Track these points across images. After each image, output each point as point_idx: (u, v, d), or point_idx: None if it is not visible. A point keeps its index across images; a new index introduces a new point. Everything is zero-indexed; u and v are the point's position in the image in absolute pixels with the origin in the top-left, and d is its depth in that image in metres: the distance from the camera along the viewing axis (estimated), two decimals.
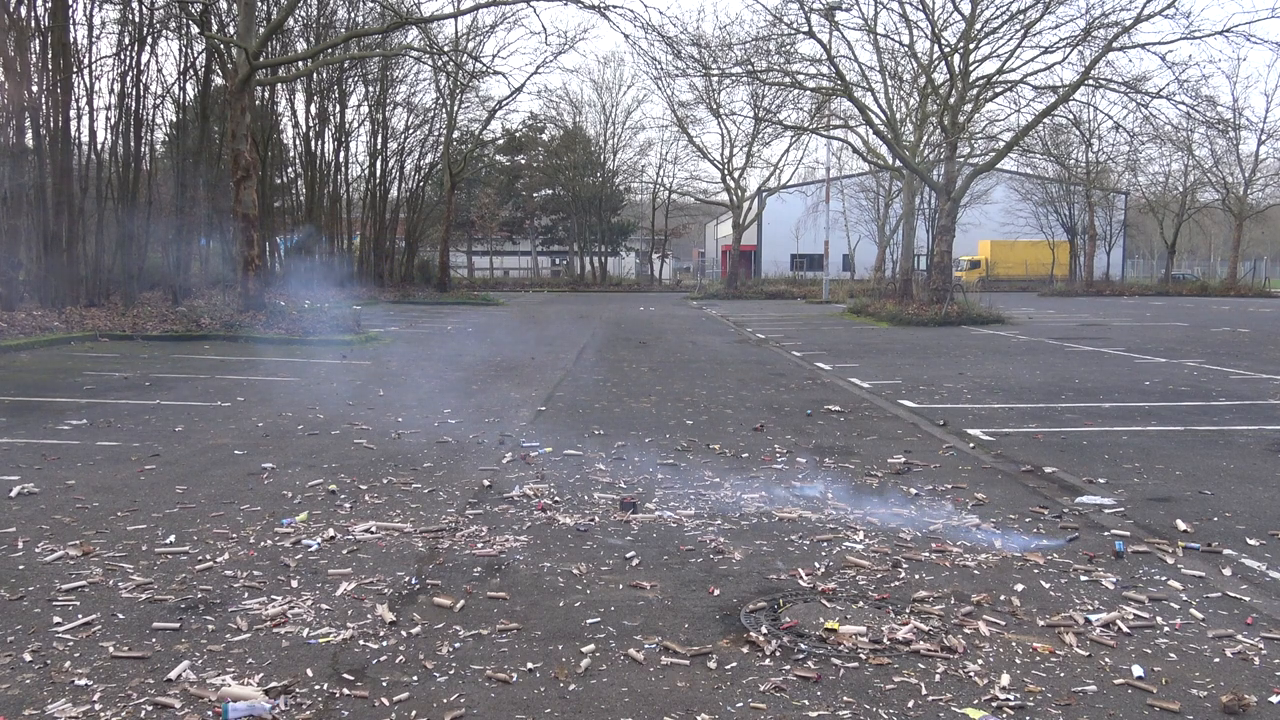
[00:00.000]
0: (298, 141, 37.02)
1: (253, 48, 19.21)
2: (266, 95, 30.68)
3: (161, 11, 25.32)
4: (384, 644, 3.91)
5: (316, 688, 3.52)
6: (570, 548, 5.21)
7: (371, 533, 5.45)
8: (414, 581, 4.64)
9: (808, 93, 30.39)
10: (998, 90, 27.00)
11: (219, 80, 28.30)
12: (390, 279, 42.25)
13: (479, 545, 5.24)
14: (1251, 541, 5.40)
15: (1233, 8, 67.91)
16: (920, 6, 25.34)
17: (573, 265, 62.79)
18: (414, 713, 3.34)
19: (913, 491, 6.54)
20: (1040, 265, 55.72)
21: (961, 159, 27.93)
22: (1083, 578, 4.77)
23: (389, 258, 43.98)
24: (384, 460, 7.41)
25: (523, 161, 62.02)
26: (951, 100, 25.53)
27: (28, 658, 3.74)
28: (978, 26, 24.98)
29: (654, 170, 61.59)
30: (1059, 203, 50.92)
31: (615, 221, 61.50)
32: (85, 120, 24.98)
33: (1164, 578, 4.79)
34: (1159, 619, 4.23)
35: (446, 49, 31.44)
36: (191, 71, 28.36)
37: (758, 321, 26.56)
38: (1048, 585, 4.67)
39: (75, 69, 22.92)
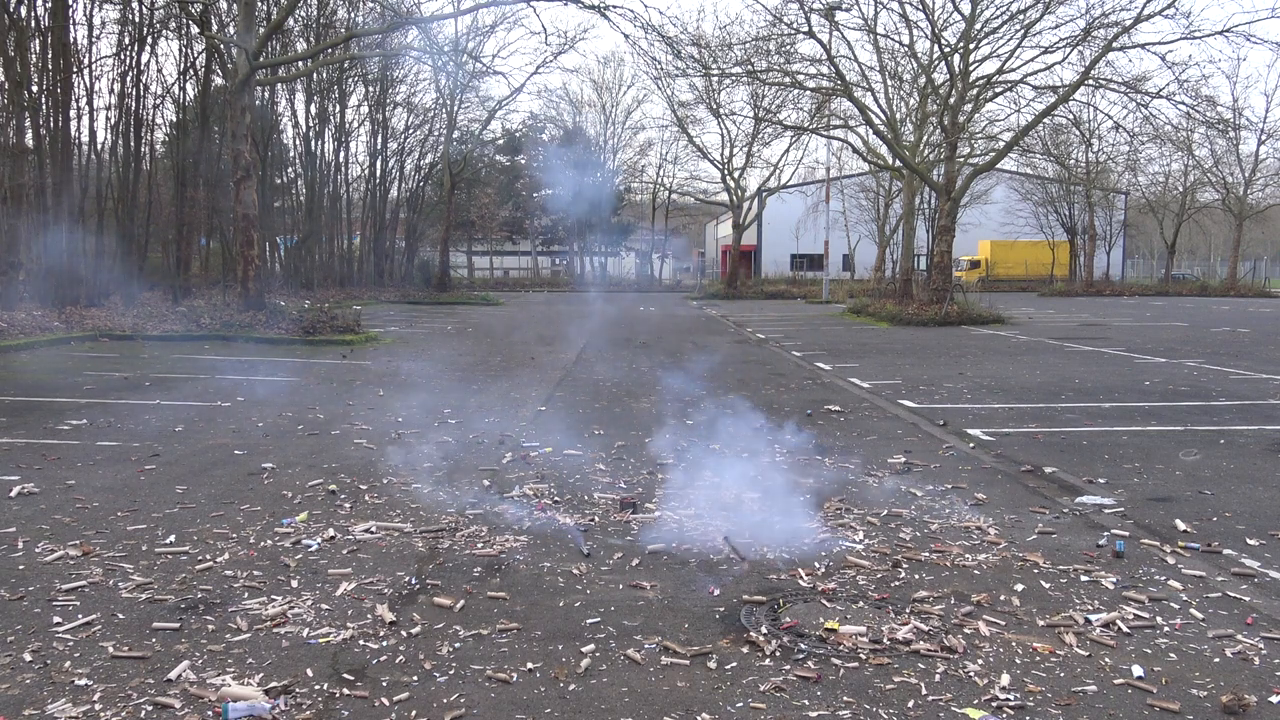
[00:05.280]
0: (298, 141, 37.05)
1: (253, 48, 19.21)
2: (266, 95, 30.68)
3: (161, 11, 25.37)
4: (384, 644, 3.91)
5: (316, 688, 3.52)
6: (570, 548, 5.21)
7: (371, 533, 5.45)
8: (414, 581, 4.64)
9: (808, 93, 30.38)
10: (998, 90, 27.00)
11: (219, 80, 28.31)
12: (390, 279, 42.25)
13: (479, 545, 5.24)
14: (1251, 541, 5.40)
15: (1233, 8, 67.94)
16: (920, 6, 25.34)
17: (573, 265, 62.76)
18: (414, 713, 3.34)
19: (913, 491, 6.54)
20: (1040, 265, 55.72)
21: (961, 159, 27.93)
22: (1083, 578, 4.77)
23: (389, 258, 43.99)
24: (384, 460, 7.41)
25: (523, 161, 61.96)
26: (951, 100, 25.52)
27: (28, 658, 3.74)
28: (978, 26, 24.98)
29: (654, 170, 61.47)
30: (1059, 203, 50.92)
31: (615, 221, 61.43)
32: (85, 120, 25.09)
33: (1164, 578, 4.79)
34: (1159, 619, 4.23)
35: (446, 49, 31.42)
36: (191, 71, 28.40)
37: (758, 321, 26.56)
38: (1048, 585, 4.67)
39: (75, 69, 22.94)
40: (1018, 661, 3.79)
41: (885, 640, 3.95)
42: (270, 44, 23.01)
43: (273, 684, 3.52)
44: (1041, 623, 4.19)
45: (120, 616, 4.17)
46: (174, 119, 30.66)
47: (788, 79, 29.05)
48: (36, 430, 8.54)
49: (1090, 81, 24.84)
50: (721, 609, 4.32)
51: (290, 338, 17.83)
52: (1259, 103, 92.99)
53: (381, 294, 37.16)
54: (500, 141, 57.55)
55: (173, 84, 36.23)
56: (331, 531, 5.44)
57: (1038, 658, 3.83)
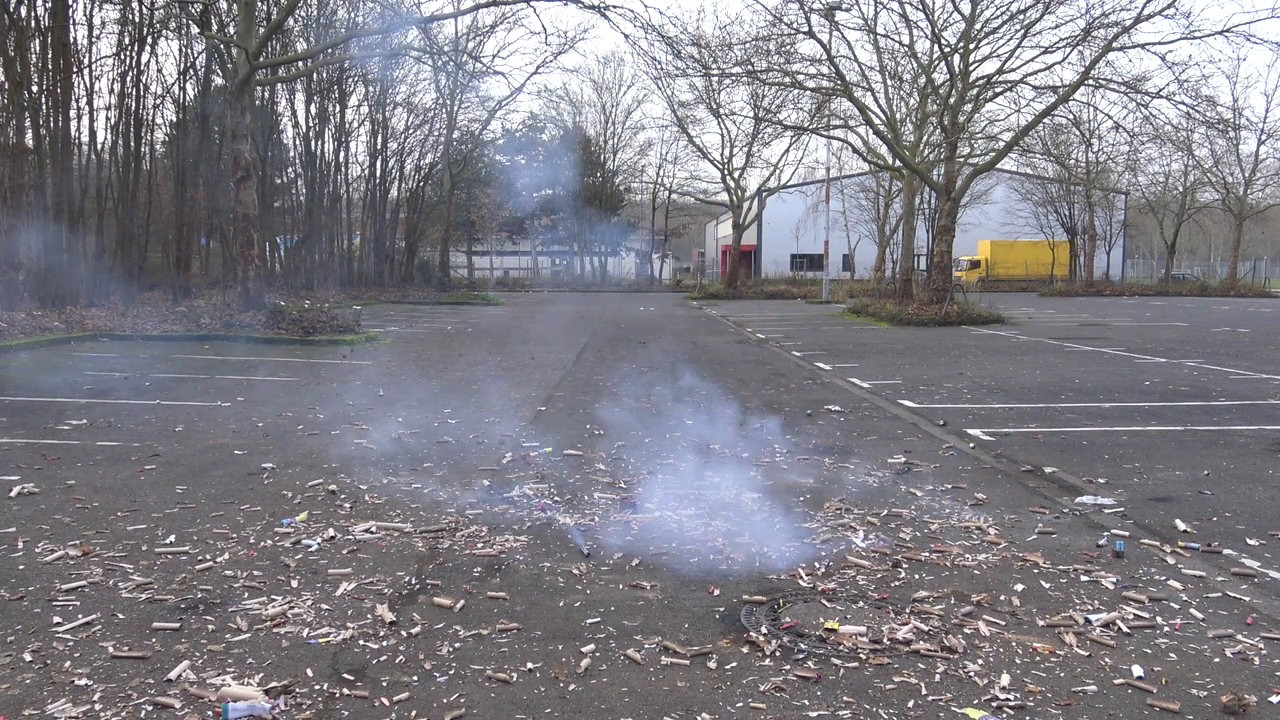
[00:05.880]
0: (298, 141, 37.03)
1: (253, 48, 19.21)
2: (266, 95, 30.68)
3: (161, 11, 25.36)
4: (384, 644, 3.91)
5: (316, 688, 3.52)
6: (570, 548, 5.21)
7: (371, 533, 5.45)
8: (414, 581, 4.65)
9: (808, 93, 30.39)
10: (998, 90, 27.00)
11: (219, 80, 28.29)
12: (390, 279, 42.22)
13: (479, 545, 5.24)
14: (1251, 541, 5.41)
15: (1233, 8, 67.94)
16: (920, 6, 25.34)
17: (573, 265, 62.77)
18: (414, 713, 3.34)
19: (913, 492, 6.54)
20: (1040, 265, 55.73)
21: (961, 159, 27.92)
22: (1083, 578, 4.77)
23: (389, 258, 43.94)
24: (384, 460, 7.41)
25: (523, 161, 61.90)
26: (951, 100, 25.52)
27: (28, 658, 3.74)
28: (978, 26, 24.98)
29: (654, 170, 61.70)
30: (1059, 203, 50.91)
31: (615, 221, 61.43)
32: (85, 120, 25.09)
33: (1164, 578, 4.79)
34: (1159, 619, 4.24)
35: (446, 49, 31.43)
36: (191, 71, 28.39)
37: (758, 321, 26.56)
38: (1048, 585, 4.67)
39: (75, 69, 22.93)
40: (1018, 661, 3.79)
41: (885, 640, 3.95)
42: (270, 44, 23.00)
43: (273, 684, 3.52)
44: (1041, 623, 4.19)
45: (120, 616, 4.17)
46: (174, 119, 30.67)
47: (788, 79, 29.06)
48: (36, 430, 8.54)
49: (1090, 81, 24.84)
50: (721, 609, 4.32)
51: (290, 338, 17.83)
52: (1259, 103, 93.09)
53: (381, 294, 37.15)
54: (500, 141, 57.57)
55: (173, 84, 36.26)
56: (331, 531, 5.44)
57: (1038, 658, 3.83)
